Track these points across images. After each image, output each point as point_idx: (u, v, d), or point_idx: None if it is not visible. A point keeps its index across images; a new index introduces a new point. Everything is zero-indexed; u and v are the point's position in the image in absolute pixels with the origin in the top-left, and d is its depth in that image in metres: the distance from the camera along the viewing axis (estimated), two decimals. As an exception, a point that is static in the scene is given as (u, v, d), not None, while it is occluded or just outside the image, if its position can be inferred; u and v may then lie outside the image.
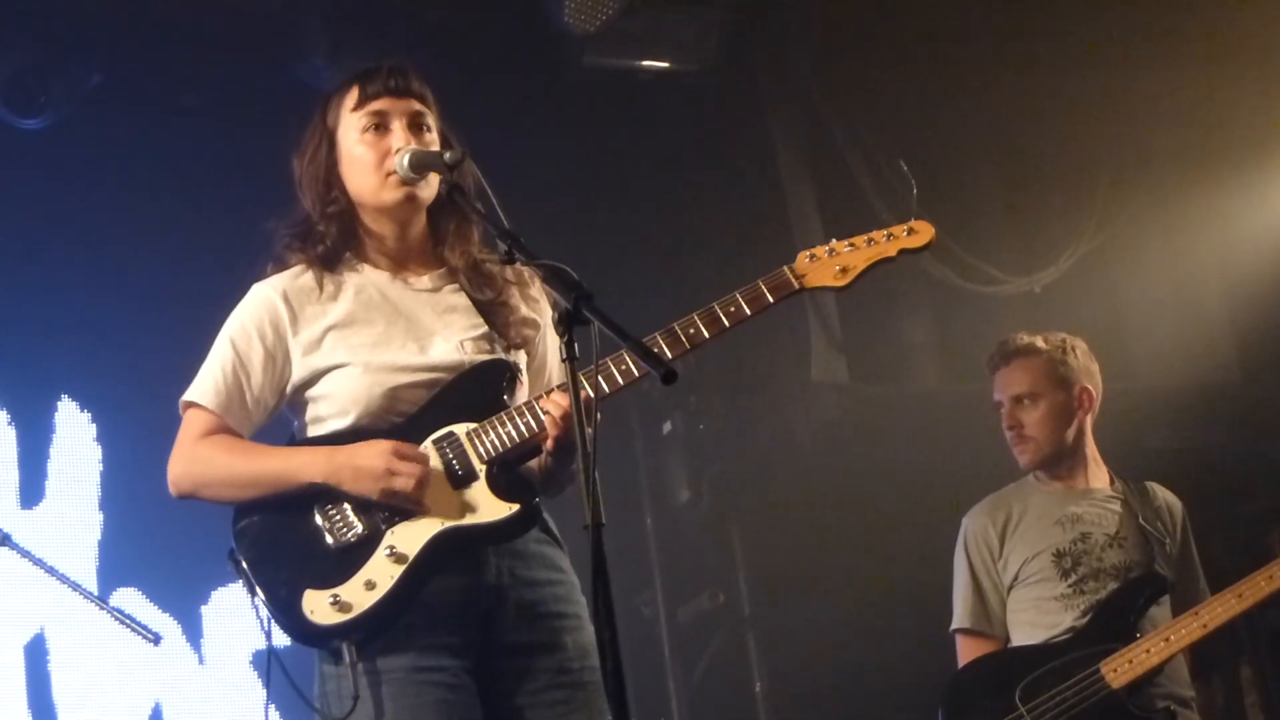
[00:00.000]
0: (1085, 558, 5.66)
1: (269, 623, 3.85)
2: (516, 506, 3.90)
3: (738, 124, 8.29)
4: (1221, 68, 8.23)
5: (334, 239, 4.11)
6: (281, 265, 4.15)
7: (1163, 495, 5.90)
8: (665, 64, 7.99)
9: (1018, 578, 5.73)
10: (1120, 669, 5.44)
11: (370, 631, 3.81)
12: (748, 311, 3.97)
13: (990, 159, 8.46)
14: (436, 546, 3.85)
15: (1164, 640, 5.46)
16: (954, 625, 5.85)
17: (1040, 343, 5.88)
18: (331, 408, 4.01)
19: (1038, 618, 5.67)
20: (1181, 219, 8.56)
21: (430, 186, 4.06)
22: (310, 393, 4.05)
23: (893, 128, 8.20)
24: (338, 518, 3.88)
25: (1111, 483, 5.88)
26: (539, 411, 3.89)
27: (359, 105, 4.10)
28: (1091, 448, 5.89)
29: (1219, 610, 5.46)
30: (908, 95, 8.28)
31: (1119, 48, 8.24)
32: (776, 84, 8.27)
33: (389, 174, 4.03)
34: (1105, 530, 5.72)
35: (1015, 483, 5.95)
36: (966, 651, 5.81)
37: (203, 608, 7.42)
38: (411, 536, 3.85)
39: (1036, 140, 8.47)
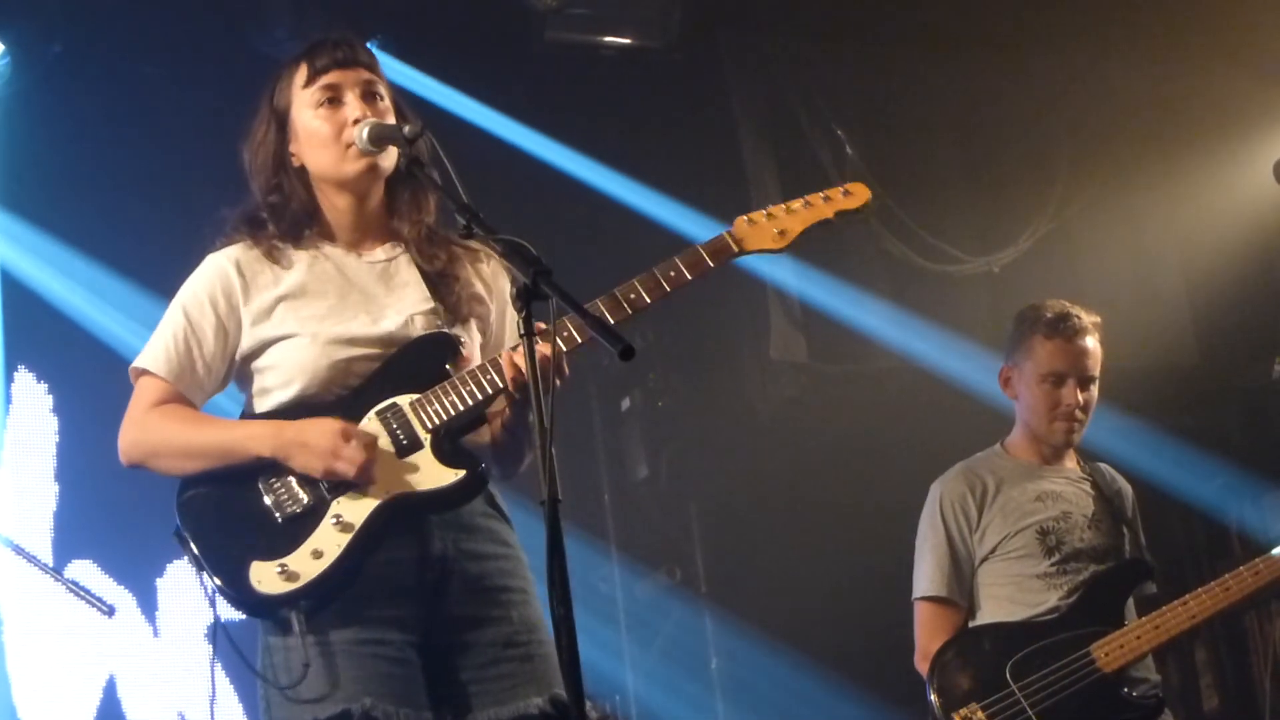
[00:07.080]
0: (1068, 537, 5.62)
1: (214, 595, 3.84)
2: (461, 473, 3.89)
3: (699, 100, 8.29)
4: (1183, 52, 8.26)
5: (284, 223, 4.08)
6: (229, 242, 4.12)
7: (1119, 480, 5.87)
8: (627, 40, 7.98)
9: (995, 550, 5.65)
10: (1112, 653, 5.44)
11: (318, 599, 3.80)
12: (688, 276, 3.97)
13: (951, 138, 8.47)
14: (382, 514, 3.85)
15: (1154, 627, 5.46)
16: (924, 593, 5.71)
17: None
18: (277, 378, 3.99)
19: (1018, 594, 5.60)
20: (1141, 201, 8.58)
21: (390, 156, 4.04)
22: (257, 364, 4.03)
23: (854, 106, 8.21)
24: (282, 490, 3.87)
25: (1079, 463, 5.84)
26: (482, 379, 3.88)
27: (310, 81, 4.06)
28: None
29: (1207, 602, 5.47)
30: (870, 73, 8.30)
31: (1081, 30, 8.25)
32: (738, 61, 8.26)
33: (348, 145, 4.00)
34: (1083, 511, 5.69)
35: (983, 452, 5.87)
36: (933, 620, 5.68)
37: (158, 580, 7.39)
38: (357, 505, 3.85)
39: (997, 120, 8.48)
